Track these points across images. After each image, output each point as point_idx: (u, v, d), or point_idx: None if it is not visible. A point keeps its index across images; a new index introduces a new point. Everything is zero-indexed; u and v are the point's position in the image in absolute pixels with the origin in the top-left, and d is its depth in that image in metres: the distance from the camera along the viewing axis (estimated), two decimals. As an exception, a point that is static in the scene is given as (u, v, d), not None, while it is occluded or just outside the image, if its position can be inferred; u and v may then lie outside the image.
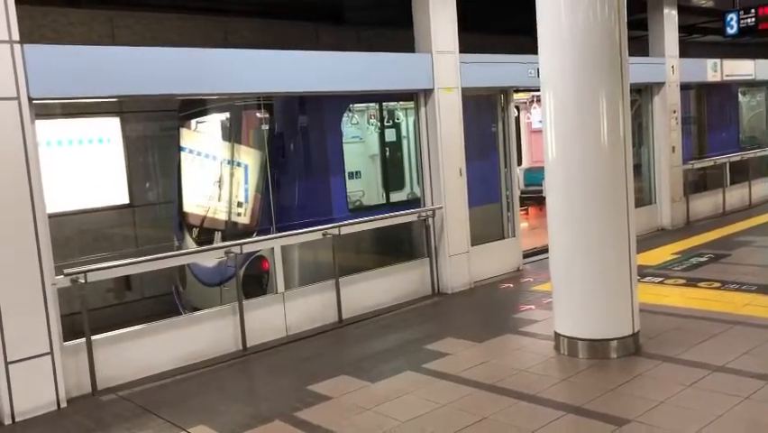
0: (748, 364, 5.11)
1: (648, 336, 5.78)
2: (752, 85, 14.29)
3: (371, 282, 7.53)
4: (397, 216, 7.73)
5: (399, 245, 8.35)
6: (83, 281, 5.48)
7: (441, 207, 7.91)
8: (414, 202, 8.21)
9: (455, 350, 5.97)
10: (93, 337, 5.58)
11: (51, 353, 5.26)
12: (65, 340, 5.47)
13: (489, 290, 8.13)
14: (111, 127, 8.81)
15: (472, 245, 8.26)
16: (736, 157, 12.97)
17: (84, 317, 5.53)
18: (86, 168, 8.62)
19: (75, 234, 8.45)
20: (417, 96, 7.93)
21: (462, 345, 6.08)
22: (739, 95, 14.31)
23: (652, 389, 4.84)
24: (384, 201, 8.17)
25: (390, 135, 8.29)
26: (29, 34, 7.43)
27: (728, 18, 11.37)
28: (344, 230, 7.09)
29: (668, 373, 5.08)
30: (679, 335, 5.90)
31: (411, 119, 8.27)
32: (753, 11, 11.12)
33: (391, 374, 5.49)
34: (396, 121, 8.39)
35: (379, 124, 8.20)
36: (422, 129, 7.96)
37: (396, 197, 8.27)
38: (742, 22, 11.28)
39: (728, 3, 11.93)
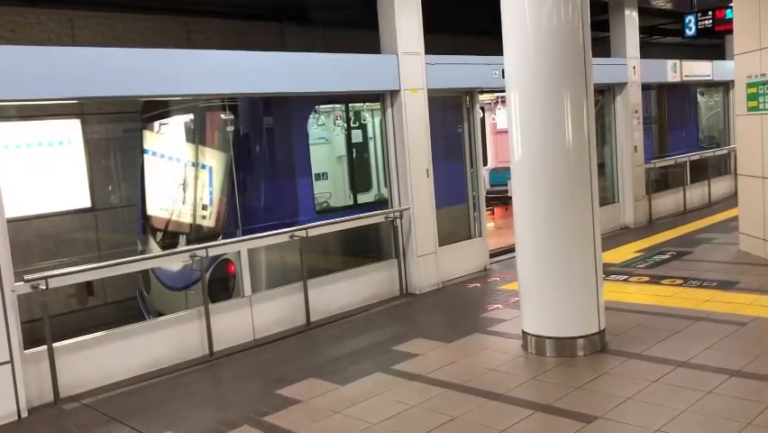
0: (710, 359, 5.21)
1: (614, 334, 5.86)
2: (710, 85, 14.60)
3: (340, 284, 7.50)
4: (364, 217, 7.71)
5: (367, 247, 8.33)
6: (44, 288, 5.34)
7: (408, 208, 7.92)
8: (381, 203, 8.20)
9: (424, 351, 5.98)
10: (55, 345, 5.45)
11: (11, 361, 5.12)
12: (25, 348, 5.33)
13: (457, 290, 8.16)
14: (71, 129, 8.63)
15: (440, 246, 8.29)
16: (696, 156, 13.24)
17: (45, 323, 5.39)
18: (46, 171, 8.43)
19: (35, 240, 8.26)
20: (384, 98, 7.92)
21: (431, 346, 6.09)
22: (698, 95, 14.61)
23: (618, 385, 4.90)
24: (351, 203, 8.14)
25: (357, 137, 8.27)
26: (-16, 35, 7.28)
27: (687, 20, 11.63)
28: (312, 232, 7.04)
29: (634, 370, 5.15)
30: (643, 331, 5.99)
31: (378, 120, 8.27)
32: (710, 13, 11.39)
33: (361, 376, 5.47)
34: (362, 122, 8.37)
35: (345, 125, 8.17)
36: (388, 130, 7.96)
37: (363, 198, 8.25)
38: (700, 23, 11.54)
39: (687, 5, 12.19)
